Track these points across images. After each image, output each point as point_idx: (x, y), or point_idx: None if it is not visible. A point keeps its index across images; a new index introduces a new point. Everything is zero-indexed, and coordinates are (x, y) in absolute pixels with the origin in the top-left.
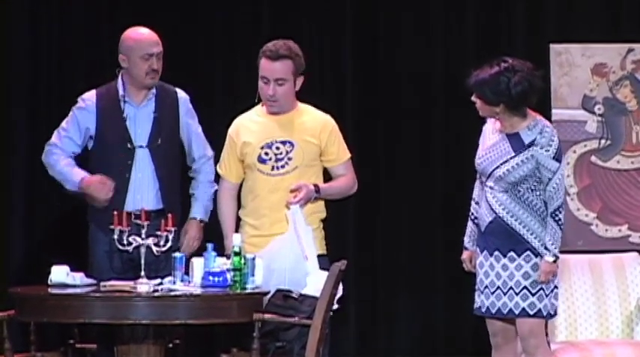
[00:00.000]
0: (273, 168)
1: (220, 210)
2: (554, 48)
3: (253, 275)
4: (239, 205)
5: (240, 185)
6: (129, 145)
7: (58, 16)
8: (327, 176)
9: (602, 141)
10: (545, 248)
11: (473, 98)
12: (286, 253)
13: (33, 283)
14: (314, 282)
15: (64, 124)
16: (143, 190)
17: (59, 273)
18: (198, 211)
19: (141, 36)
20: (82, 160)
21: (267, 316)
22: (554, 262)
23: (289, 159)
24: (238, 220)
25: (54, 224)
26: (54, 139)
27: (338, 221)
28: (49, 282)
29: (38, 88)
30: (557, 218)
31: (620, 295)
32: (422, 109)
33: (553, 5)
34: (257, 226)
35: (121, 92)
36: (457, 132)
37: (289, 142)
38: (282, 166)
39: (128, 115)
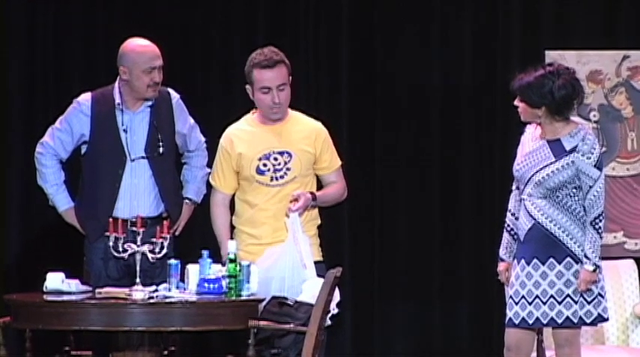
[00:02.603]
0: (272, 179)
1: (215, 221)
2: (550, 55)
3: (248, 282)
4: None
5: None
6: (122, 156)
7: (53, 19)
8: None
9: None
10: (586, 257)
11: (516, 102)
12: (285, 261)
13: (28, 290)
14: (309, 289)
15: (57, 124)
16: (140, 197)
17: (54, 280)
18: (191, 191)
19: (143, 49)
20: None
21: (262, 323)
22: (594, 270)
23: (288, 169)
24: (232, 228)
25: (50, 231)
26: (47, 138)
27: (334, 227)
28: (44, 289)
29: (35, 93)
30: (597, 227)
31: (615, 302)
32: (418, 115)
33: (548, 12)
34: (255, 235)
35: (117, 100)
36: (454, 138)
37: (287, 153)
38: (282, 177)
39: (126, 125)
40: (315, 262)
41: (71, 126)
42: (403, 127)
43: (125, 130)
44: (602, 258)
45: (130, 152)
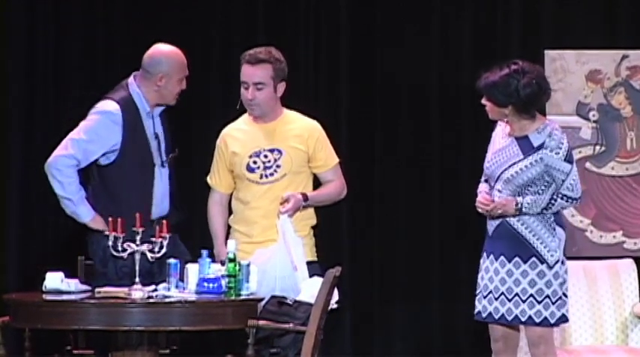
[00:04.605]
0: (262, 176)
1: (210, 220)
2: (549, 54)
3: (248, 282)
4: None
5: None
6: (152, 162)
7: (53, 19)
8: (317, 182)
9: (597, 147)
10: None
11: (483, 101)
12: (276, 262)
13: (28, 289)
14: (309, 288)
15: (83, 136)
16: (164, 200)
17: (54, 279)
18: None
19: (179, 57)
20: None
21: (261, 322)
22: (515, 207)
23: (278, 166)
24: (228, 227)
25: (49, 231)
26: (72, 150)
27: (333, 227)
28: (43, 288)
29: (35, 93)
30: (555, 198)
31: (614, 301)
32: (418, 115)
33: (548, 12)
34: (248, 233)
35: (147, 109)
36: (453, 138)
37: (277, 150)
38: (271, 174)
39: (156, 132)
40: (309, 262)
41: (102, 137)
42: (403, 127)
43: (156, 137)
44: (602, 258)
45: (159, 157)
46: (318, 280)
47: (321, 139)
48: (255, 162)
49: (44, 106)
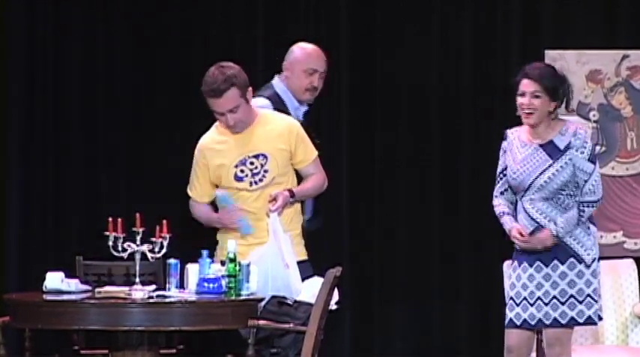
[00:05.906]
0: (251, 183)
1: (198, 214)
2: (549, 54)
3: (248, 282)
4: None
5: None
6: None
7: (53, 19)
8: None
9: (597, 147)
10: (554, 223)
11: (528, 100)
12: (267, 261)
13: (28, 289)
14: (309, 288)
15: None
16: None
17: (54, 279)
18: None
19: (311, 50)
20: None
21: (261, 322)
22: (555, 237)
23: (265, 171)
24: (216, 228)
25: (49, 230)
26: None
27: (334, 227)
28: (43, 288)
29: (35, 93)
30: (582, 209)
31: (614, 301)
32: (418, 115)
33: (548, 12)
34: (241, 235)
35: (294, 104)
36: (454, 138)
37: (262, 155)
38: (260, 180)
39: None
40: (301, 262)
41: None
42: (403, 127)
43: None
44: (602, 258)
45: None
46: (318, 280)
47: (300, 134)
48: (242, 171)
49: (44, 106)
